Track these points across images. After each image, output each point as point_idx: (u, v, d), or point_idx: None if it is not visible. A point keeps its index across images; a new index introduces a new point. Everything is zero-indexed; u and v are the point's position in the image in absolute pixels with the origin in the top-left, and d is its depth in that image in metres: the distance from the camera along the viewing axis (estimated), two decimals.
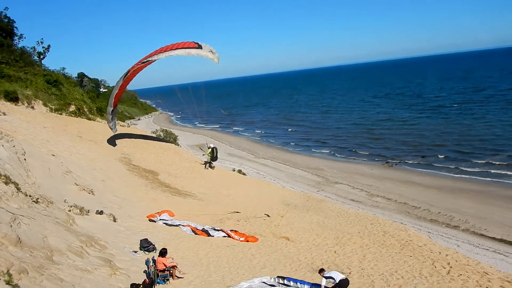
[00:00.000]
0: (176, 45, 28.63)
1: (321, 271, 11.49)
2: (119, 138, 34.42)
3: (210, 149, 32.02)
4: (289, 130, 75.48)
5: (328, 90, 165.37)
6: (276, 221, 21.03)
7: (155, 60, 28.87)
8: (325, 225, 20.80)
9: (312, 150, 56.84)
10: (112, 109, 31.75)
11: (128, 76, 30.36)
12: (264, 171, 44.34)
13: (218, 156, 33.09)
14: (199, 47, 28.33)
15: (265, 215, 21.82)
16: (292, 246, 17.03)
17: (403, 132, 60.53)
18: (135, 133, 41.45)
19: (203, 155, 32.52)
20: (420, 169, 41.30)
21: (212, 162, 32.62)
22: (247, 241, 17.30)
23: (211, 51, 28.38)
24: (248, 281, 12.35)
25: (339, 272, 11.70)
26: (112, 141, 32.80)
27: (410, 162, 44.19)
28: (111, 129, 33.02)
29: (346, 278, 11.31)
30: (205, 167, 32.16)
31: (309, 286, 11.89)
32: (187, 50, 28.06)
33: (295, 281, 12.23)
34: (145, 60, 28.99)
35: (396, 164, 44.10)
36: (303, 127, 76.48)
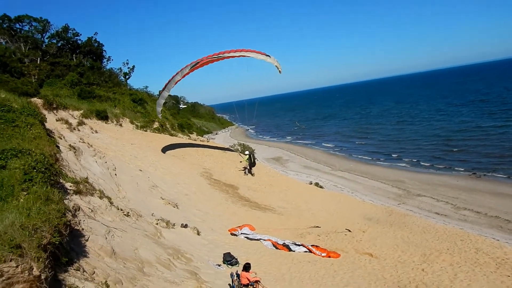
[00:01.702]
0: (246, 50, 30.13)
1: None
2: (200, 153, 35.54)
3: (247, 156, 32.29)
4: (364, 142, 73.40)
5: (404, 99, 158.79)
6: (358, 236, 20.38)
7: (227, 56, 29.96)
8: (410, 241, 19.81)
9: (391, 161, 54.72)
10: (168, 94, 32.95)
11: (196, 67, 31.02)
12: (342, 184, 43.44)
13: (256, 162, 33.66)
14: (268, 56, 30.24)
15: (346, 230, 21.24)
16: (376, 263, 16.36)
17: (489, 141, 56.04)
18: (214, 147, 42.58)
19: (241, 162, 32.66)
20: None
21: (251, 169, 32.66)
22: (329, 256, 16.90)
23: (277, 61, 30.40)
24: None
25: None
26: (193, 156, 33.92)
27: (500, 172, 40.82)
28: (159, 114, 34.74)
29: None
30: (244, 173, 32.24)
31: None
32: (257, 54, 29.82)
33: None
34: (216, 56, 30.01)
35: (484, 175, 40.99)
36: (379, 139, 74.02)
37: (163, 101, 33.10)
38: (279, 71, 30.50)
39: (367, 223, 23.52)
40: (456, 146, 55.94)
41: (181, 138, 40.94)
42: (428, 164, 49.10)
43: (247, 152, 33.44)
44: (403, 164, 51.64)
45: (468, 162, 46.67)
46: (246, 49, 30.16)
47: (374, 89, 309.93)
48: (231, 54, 29.51)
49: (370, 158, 58.73)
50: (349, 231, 21.14)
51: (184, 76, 31.36)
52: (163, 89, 32.04)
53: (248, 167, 32.31)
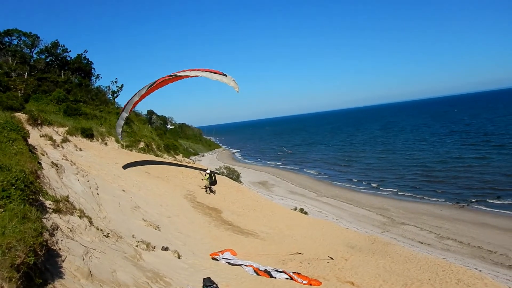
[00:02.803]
0: (202, 70, 29.90)
1: None
2: (185, 175, 35.28)
3: (208, 175, 32.63)
4: (349, 169, 74.06)
5: (391, 127, 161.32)
6: (340, 264, 20.24)
7: (182, 76, 29.96)
8: (392, 270, 19.73)
9: (376, 189, 55.14)
10: (127, 116, 32.68)
11: (153, 87, 31.12)
12: (327, 210, 43.50)
13: (217, 180, 34.16)
14: (224, 75, 29.73)
15: (329, 258, 21.10)
16: None
17: (473, 171, 57.10)
18: (198, 169, 42.37)
19: (202, 180, 32.67)
20: (495, 210, 38.50)
21: (212, 187, 33.01)
22: (310, 284, 16.69)
23: (233, 81, 29.72)
24: None
25: None
26: (177, 178, 33.65)
27: (483, 203, 41.35)
28: (118, 135, 34.37)
29: None
30: (206, 191, 32.22)
31: None
32: (213, 74, 29.38)
33: None
34: (173, 75, 30.02)
35: (467, 205, 41.44)
36: (364, 166, 74.81)
37: (123, 121, 32.76)
38: (236, 91, 30.04)
39: (350, 251, 23.41)
40: (439, 176, 56.70)
41: (167, 159, 40.64)
42: (412, 193, 49.60)
43: (208, 171, 33.86)
44: (388, 192, 52.07)
45: (451, 192, 47.31)
46: (202, 68, 30.11)
47: (362, 116, 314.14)
48: (187, 73, 29.55)
49: (355, 185, 59.14)
50: (332, 258, 21.01)
51: (141, 97, 31.42)
52: (122, 110, 32.10)
53: (209, 186, 32.56)
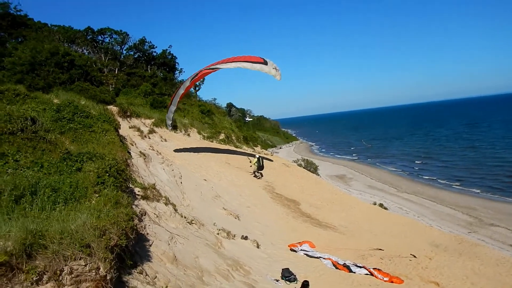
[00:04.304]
0: (243, 58, 29.10)
1: None
2: (264, 167, 35.69)
3: (256, 159, 31.92)
4: (432, 165, 70.04)
5: (478, 122, 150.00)
6: (424, 263, 19.30)
7: (223, 68, 29.41)
8: (481, 273, 18.45)
9: (462, 186, 51.63)
10: (175, 108, 32.72)
11: (195, 79, 31.18)
12: (407, 207, 41.71)
13: (264, 166, 33.00)
14: (265, 62, 28.66)
15: (411, 256, 20.22)
16: None
17: None
18: (277, 161, 42.64)
19: (250, 166, 32.01)
20: None
21: (260, 172, 32.29)
22: (392, 281, 16.13)
23: (275, 68, 28.49)
24: None
25: None
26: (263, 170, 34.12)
27: None
28: (168, 127, 34.51)
29: None
30: (254, 176, 31.71)
31: None
32: (253, 64, 28.43)
33: None
34: (213, 67, 29.70)
35: None
36: (449, 162, 70.20)
37: (172, 115, 33.07)
38: (278, 79, 29.01)
39: (434, 250, 22.25)
40: None
41: (246, 151, 41.36)
42: (502, 193, 45.72)
43: (257, 156, 33.31)
44: (476, 191, 48.51)
45: None
46: (241, 56, 29.39)
47: (444, 111, 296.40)
48: (227, 65, 28.95)
49: (438, 183, 55.94)
50: (414, 256, 20.11)
51: (186, 89, 31.67)
52: (170, 104, 32.41)
53: (257, 170, 32.16)
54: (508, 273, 19.00)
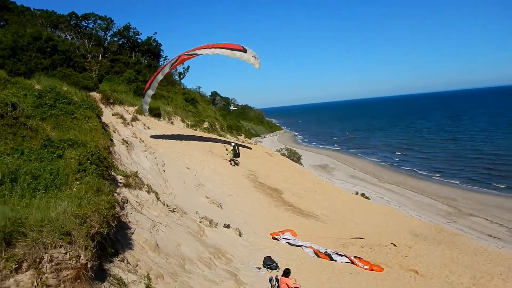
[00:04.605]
0: (222, 45, 28.88)
1: None
2: (247, 156, 35.74)
3: (232, 147, 31.71)
4: (414, 156, 70.85)
5: (460, 115, 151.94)
6: (404, 252, 19.69)
7: (202, 54, 29.17)
8: (459, 262, 18.90)
9: (442, 177, 52.40)
10: (153, 93, 32.23)
11: (174, 64, 31.01)
12: (389, 197, 42.27)
13: (240, 153, 32.68)
14: (244, 50, 28.52)
15: (392, 244, 20.60)
16: (421, 281, 15.74)
17: None
18: (261, 150, 42.74)
19: (227, 154, 31.76)
20: None
21: (236, 159, 32.12)
22: (372, 269, 16.43)
23: (254, 56, 28.47)
24: None
25: None
26: (240, 158, 34.14)
27: None
28: (145, 112, 33.87)
29: None
30: (231, 164, 31.57)
31: None
32: (232, 51, 28.30)
33: None
34: (192, 52, 29.46)
35: None
36: (430, 154, 71.01)
37: (149, 99, 32.48)
38: (257, 67, 28.88)
39: (414, 239, 22.71)
40: None
41: (229, 139, 41.34)
42: (482, 184, 46.56)
43: (232, 143, 33.07)
44: (456, 182, 49.33)
45: None
46: (222, 43, 29.04)
47: (428, 103, 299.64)
48: (207, 51, 28.70)
49: (419, 173, 56.74)
50: (395, 245, 20.51)
51: (165, 74, 31.41)
52: (147, 88, 31.71)
53: (233, 158, 31.93)
54: (485, 261, 19.50)
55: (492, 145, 72.11)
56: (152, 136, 30.22)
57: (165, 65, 31.15)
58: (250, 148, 39.76)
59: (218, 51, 28.53)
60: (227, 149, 32.00)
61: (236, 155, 32.06)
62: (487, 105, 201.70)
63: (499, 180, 47.02)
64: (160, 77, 31.07)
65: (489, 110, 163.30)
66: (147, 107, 33.28)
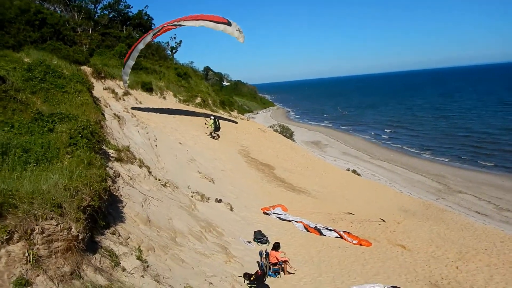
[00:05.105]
0: (206, 17, 28.50)
1: None
2: (239, 131, 35.78)
3: (212, 120, 31.50)
4: (406, 133, 71.31)
5: (453, 93, 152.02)
6: (392, 227, 20.04)
7: (186, 25, 28.72)
8: (446, 237, 19.27)
9: (433, 155, 52.90)
10: (133, 63, 31.41)
11: (157, 34, 30.30)
12: (380, 173, 42.70)
13: (221, 126, 32.46)
14: (228, 23, 28.19)
15: (380, 220, 20.95)
16: (408, 256, 16.08)
17: None
18: (253, 126, 42.76)
19: (207, 127, 31.64)
20: None
21: (217, 133, 31.96)
22: (360, 244, 16.77)
23: (238, 30, 28.22)
24: (359, 286, 11.91)
25: None
26: (232, 134, 34.20)
27: None
28: (124, 83, 32.68)
29: None
30: (211, 137, 31.38)
31: None
32: (217, 24, 27.92)
33: None
34: (176, 23, 28.94)
35: None
36: (422, 131, 71.38)
37: (129, 70, 31.52)
38: (241, 41, 28.65)
39: (403, 215, 23.10)
40: (505, 145, 53.33)
41: (222, 115, 41.27)
42: (472, 162, 47.07)
43: (212, 117, 32.69)
44: (446, 159, 49.84)
45: None
46: (206, 15, 28.62)
47: (421, 80, 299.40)
48: (191, 23, 28.26)
49: (411, 150, 57.21)
50: (383, 221, 20.86)
51: (146, 44, 30.66)
52: (127, 58, 30.84)
53: (214, 131, 31.72)
54: (471, 237, 19.89)
55: (481, 124, 72.57)
56: (142, 109, 29.97)
57: (147, 34, 30.36)
58: (236, 122, 39.45)
59: (202, 23, 28.06)
60: (207, 123, 31.74)
61: (217, 128, 31.79)
62: (481, 82, 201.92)
63: (487, 158, 47.56)
64: (141, 46, 30.20)
65: (478, 87, 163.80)
66: (127, 78, 32.22)
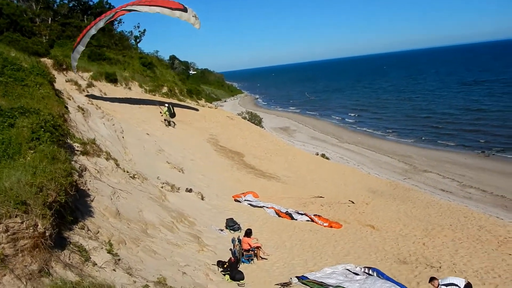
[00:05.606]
0: (161, 2, 27.80)
1: (433, 279, 9.28)
2: (207, 120, 35.58)
3: (166, 108, 31.22)
4: (373, 116, 72.61)
5: (416, 75, 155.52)
6: (361, 208, 20.54)
7: (140, 11, 27.87)
8: (413, 215, 19.92)
9: (399, 136, 54.23)
10: (83, 49, 30.32)
11: (110, 19, 29.46)
12: (348, 156, 43.41)
13: (175, 113, 31.93)
14: (184, 9, 27.66)
15: (350, 202, 21.41)
16: (377, 235, 16.53)
17: (500, 121, 55.07)
18: (222, 114, 42.57)
19: (161, 115, 31.13)
20: None
21: (172, 120, 31.53)
22: (331, 226, 17.11)
23: (194, 16, 27.78)
24: (332, 267, 12.19)
25: (456, 277, 9.80)
26: (200, 122, 33.97)
27: (510, 152, 40.20)
28: (73, 69, 31.38)
29: (469, 282, 9.13)
30: (166, 125, 30.91)
31: None
32: (172, 11, 27.31)
33: (387, 278, 11.35)
34: (130, 8, 28.00)
35: (493, 154, 40.49)
36: (388, 113, 72.94)
37: (78, 55, 30.27)
38: (197, 28, 28.35)
39: (371, 196, 23.65)
40: (465, 125, 55.21)
41: (189, 104, 40.86)
42: (436, 142, 48.55)
43: (166, 104, 32.39)
44: (412, 140, 51.16)
45: (476, 141, 46.10)
46: (161, 0, 27.87)
47: (386, 63, 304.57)
48: (146, 8, 27.30)
49: (378, 132, 58.35)
50: (353, 202, 21.32)
51: (98, 29, 29.45)
52: (77, 43, 29.46)
53: (169, 119, 31.24)
54: (437, 214, 20.60)
55: (443, 104, 74.67)
56: (107, 100, 29.20)
57: (100, 18, 29.00)
58: (197, 110, 38.81)
59: (158, 9, 27.17)
60: (161, 111, 31.16)
61: (172, 115, 31.26)
62: (443, 64, 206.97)
63: (449, 138, 49.09)
64: (93, 31, 28.91)
65: (441, 70, 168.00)
66: (75, 64, 30.78)
